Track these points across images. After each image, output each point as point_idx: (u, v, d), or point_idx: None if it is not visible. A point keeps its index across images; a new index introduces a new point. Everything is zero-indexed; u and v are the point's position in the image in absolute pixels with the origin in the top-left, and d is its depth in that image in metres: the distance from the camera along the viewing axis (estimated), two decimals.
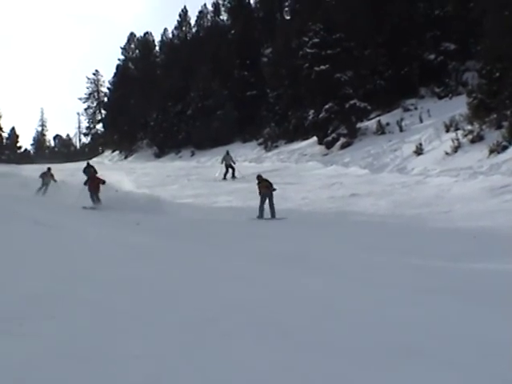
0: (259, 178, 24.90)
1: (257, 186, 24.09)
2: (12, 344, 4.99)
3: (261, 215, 23.08)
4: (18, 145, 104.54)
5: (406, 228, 19.32)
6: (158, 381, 4.67)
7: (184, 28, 79.95)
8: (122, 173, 38.56)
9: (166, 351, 5.58)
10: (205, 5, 77.95)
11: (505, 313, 8.55)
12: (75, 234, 14.92)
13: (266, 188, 23.55)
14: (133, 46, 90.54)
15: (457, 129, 36.28)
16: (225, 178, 38.84)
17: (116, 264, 10.60)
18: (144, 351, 5.40)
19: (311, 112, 47.67)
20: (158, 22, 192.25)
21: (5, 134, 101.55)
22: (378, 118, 45.31)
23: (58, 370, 4.53)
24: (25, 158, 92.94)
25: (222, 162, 40.74)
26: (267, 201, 23.21)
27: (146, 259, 11.80)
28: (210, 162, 55.52)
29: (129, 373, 4.73)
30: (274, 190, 23.83)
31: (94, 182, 25.23)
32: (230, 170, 39.93)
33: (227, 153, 41.45)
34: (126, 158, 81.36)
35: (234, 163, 40.51)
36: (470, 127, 35.45)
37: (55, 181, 30.84)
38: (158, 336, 6.04)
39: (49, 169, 31.75)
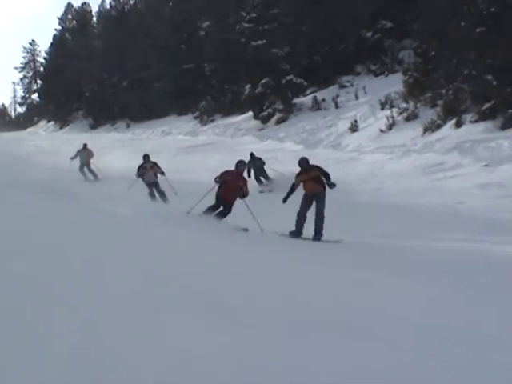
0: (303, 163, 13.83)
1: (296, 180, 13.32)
2: None
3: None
4: None
5: (338, 204, 18.64)
6: (83, 355, 4.04)
7: (122, 0, 78.26)
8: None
9: (92, 325, 4.81)
10: None
11: (438, 288, 8.66)
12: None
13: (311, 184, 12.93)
14: (70, 16, 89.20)
15: (392, 106, 36.59)
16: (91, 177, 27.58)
17: (44, 232, 9.45)
18: (70, 325, 4.65)
19: (247, 86, 47.36)
20: None
21: None
22: (313, 94, 45.23)
23: None
24: None
25: (74, 158, 27.52)
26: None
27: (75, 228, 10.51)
28: (146, 135, 55.09)
29: (54, 347, 4.08)
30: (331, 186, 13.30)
31: (231, 187, 13.60)
32: (87, 170, 27.45)
33: (84, 146, 28.09)
34: (61, 128, 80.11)
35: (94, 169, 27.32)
36: (404, 105, 35.92)
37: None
38: (84, 309, 5.20)
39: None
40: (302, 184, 13.07)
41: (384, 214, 17.11)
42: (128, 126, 64.60)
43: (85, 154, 26.18)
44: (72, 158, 26.20)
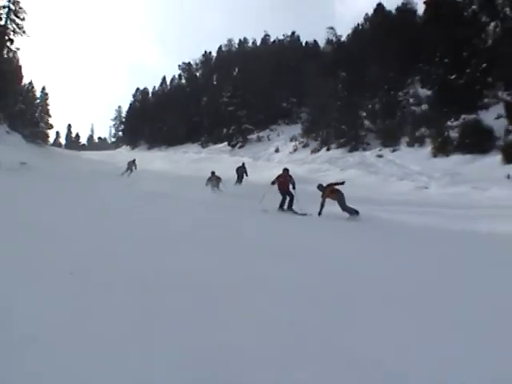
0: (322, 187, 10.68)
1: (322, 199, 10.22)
2: None
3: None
4: (81, 142, 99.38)
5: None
6: None
7: (163, 86, 76.25)
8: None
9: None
10: (174, 76, 73.45)
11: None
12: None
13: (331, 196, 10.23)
14: (138, 93, 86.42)
15: (296, 140, 36.79)
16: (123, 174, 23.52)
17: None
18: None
19: (225, 130, 46.52)
20: (150, 82, 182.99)
21: (61, 133, 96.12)
22: (257, 134, 44.80)
23: None
24: (81, 148, 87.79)
25: (129, 167, 23.84)
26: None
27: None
28: (174, 153, 53.49)
29: None
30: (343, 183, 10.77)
31: (285, 182, 11.17)
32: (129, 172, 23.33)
33: (133, 160, 24.27)
34: (132, 149, 77.50)
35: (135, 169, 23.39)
36: (302, 139, 36.22)
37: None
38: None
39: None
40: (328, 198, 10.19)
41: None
42: (166, 148, 62.34)
43: (132, 164, 23.70)
44: (128, 163, 24.15)
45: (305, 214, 10.41)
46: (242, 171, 20.59)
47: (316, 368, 2.28)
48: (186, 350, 2.34)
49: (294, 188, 11.20)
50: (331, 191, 10.24)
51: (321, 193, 10.37)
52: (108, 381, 2.03)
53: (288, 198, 11.14)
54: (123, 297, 3.05)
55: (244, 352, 2.40)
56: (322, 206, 10.10)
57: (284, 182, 11.19)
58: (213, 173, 17.08)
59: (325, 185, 10.59)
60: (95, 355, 2.20)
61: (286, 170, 11.58)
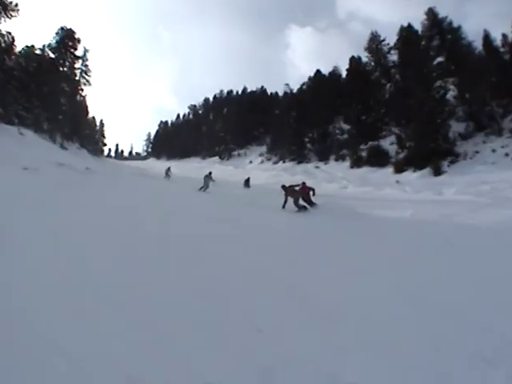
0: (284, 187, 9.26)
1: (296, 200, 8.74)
2: None
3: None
4: (124, 155, 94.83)
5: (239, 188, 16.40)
6: None
7: (178, 119, 73.00)
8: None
9: None
10: (185, 113, 69.98)
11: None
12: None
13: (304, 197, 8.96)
14: (161, 124, 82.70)
15: (263, 156, 35.69)
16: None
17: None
18: None
19: (217, 148, 45.18)
20: (169, 117, 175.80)
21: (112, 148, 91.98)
22: (238, 151, 43.10)
23: None
24: (124, 159, 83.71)
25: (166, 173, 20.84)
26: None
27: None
28: (184, 163, 51.25)
29: None
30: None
31: (304, 192, 9.00)
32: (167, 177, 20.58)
33: (169, 168, 21.69)
34: (157, 159, 74.10)
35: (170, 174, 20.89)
36: (267, 155, 35.11)
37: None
38: None
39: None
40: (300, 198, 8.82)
41: (263, 191, 14.74)
42: (179, 160, 59.09)
43: (168, 171, 20.87)
44: (165, 170, 21.47)
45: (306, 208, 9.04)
46: (247, 183, 19.31)
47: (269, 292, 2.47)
48: None
49: (313, 194, 9.08)
50: (303, 194, 8.94)
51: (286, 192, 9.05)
52: None
53: (306, 203, 9.32)
54: None
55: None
56: (299, 204, 8.79)
57: (303, 191, 9.37)
58: (210, 172, 14.70)
59: (287, 185, 9.29)
60: None
61: (303, 183, 9.77)
